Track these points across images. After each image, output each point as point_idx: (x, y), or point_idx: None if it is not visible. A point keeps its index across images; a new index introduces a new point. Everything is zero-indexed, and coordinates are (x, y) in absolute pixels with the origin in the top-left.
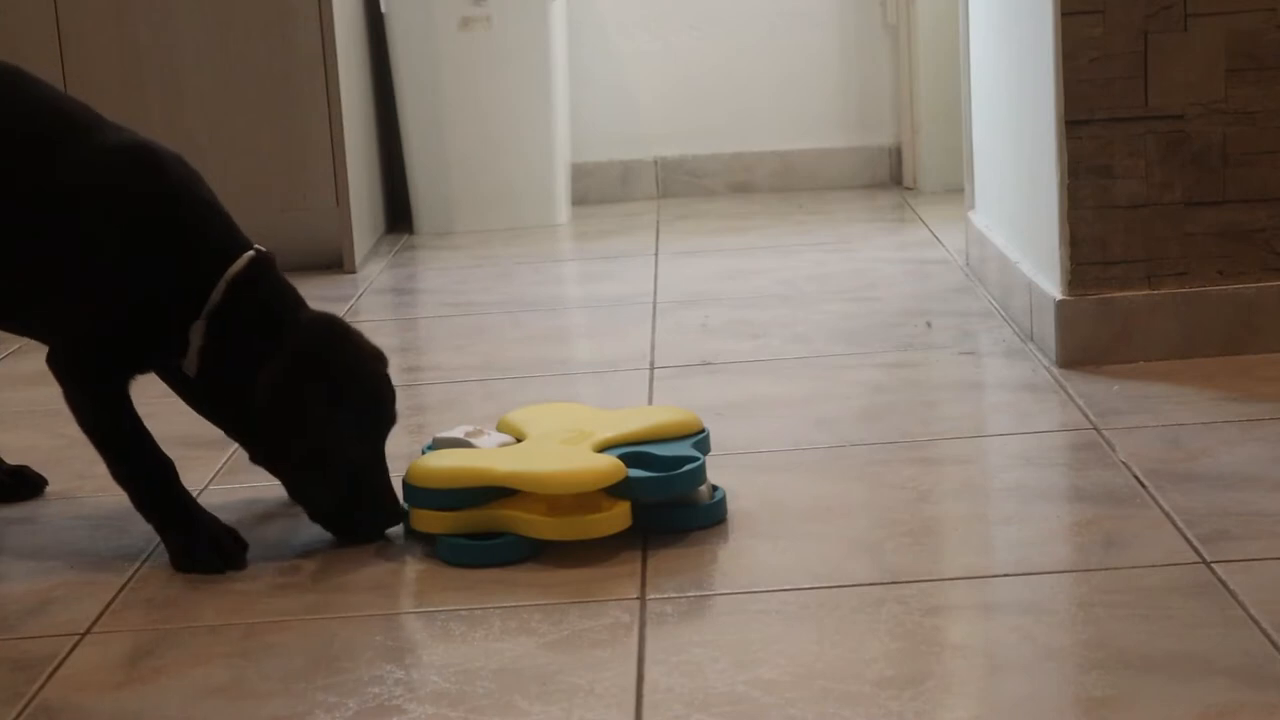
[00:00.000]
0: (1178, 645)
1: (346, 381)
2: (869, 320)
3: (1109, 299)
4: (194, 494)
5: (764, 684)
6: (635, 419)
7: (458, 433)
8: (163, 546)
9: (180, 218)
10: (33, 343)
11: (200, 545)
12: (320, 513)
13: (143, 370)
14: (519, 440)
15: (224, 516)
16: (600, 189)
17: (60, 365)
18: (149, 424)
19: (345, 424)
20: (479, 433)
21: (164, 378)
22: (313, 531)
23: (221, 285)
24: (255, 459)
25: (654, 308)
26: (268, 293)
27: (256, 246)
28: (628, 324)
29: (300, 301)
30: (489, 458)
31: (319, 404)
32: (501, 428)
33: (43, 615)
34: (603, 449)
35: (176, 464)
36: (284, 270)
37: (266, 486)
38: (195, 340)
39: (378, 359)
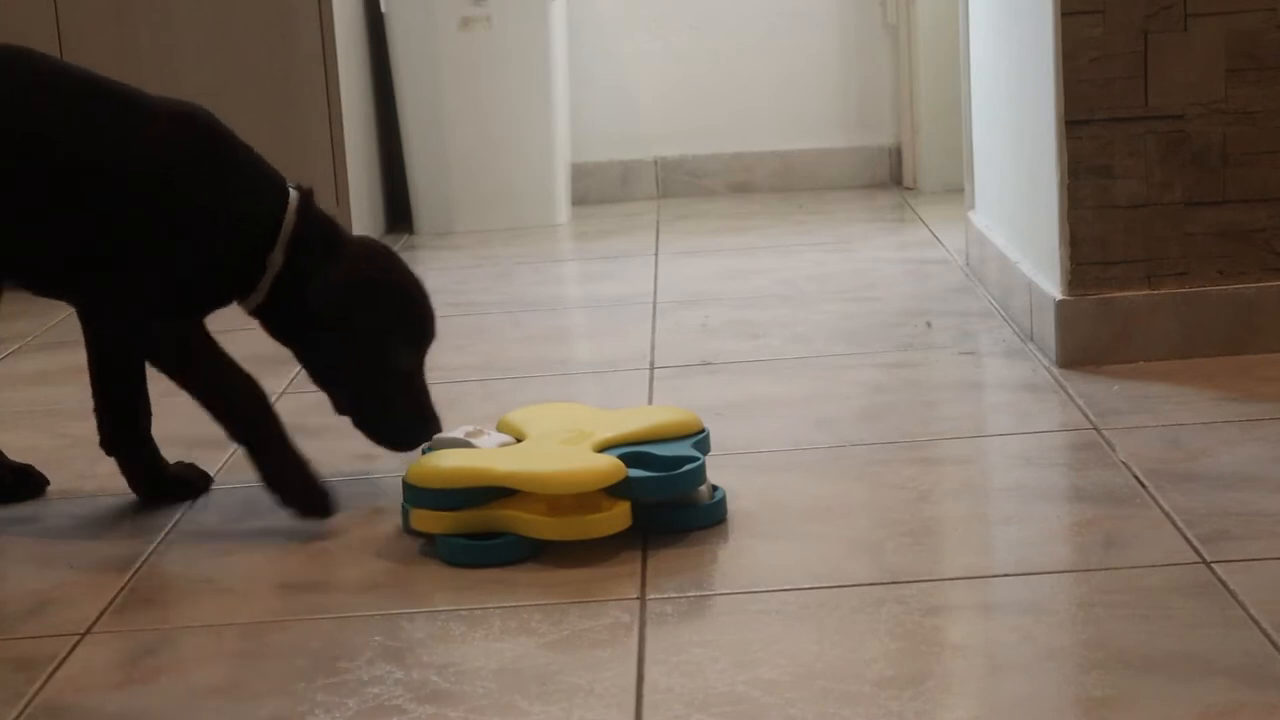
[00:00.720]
0: (1178, 645)
1: (397, 292)
2: (869, 320)
3: (1109, 299)
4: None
5: (764, 684)
6: (635, 419)
7: (458, 433)
8: (162, 546)
9: (242, 161)
10: (33, 343)
11: (315, 487)
12: (366, 419)
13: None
14: (519, 440)
15: (223, 516)
16: (600, 189)
17: (137, 324)
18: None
19: (395, 332)
20: (479, 433)
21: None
22: (313, 531)
23: (291, 215)
24: (314, 374)
25: (654, 308)
26: (321, 218)
27: (294, 182)
28: (628, 324)
29: (341, 225)
30: (489, 458)
31: (374, 307)
32: (501, 428)
33: (43, 615)
34: (603, 449)
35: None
36: None
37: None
38: (272, 268)
39: (423, 284)
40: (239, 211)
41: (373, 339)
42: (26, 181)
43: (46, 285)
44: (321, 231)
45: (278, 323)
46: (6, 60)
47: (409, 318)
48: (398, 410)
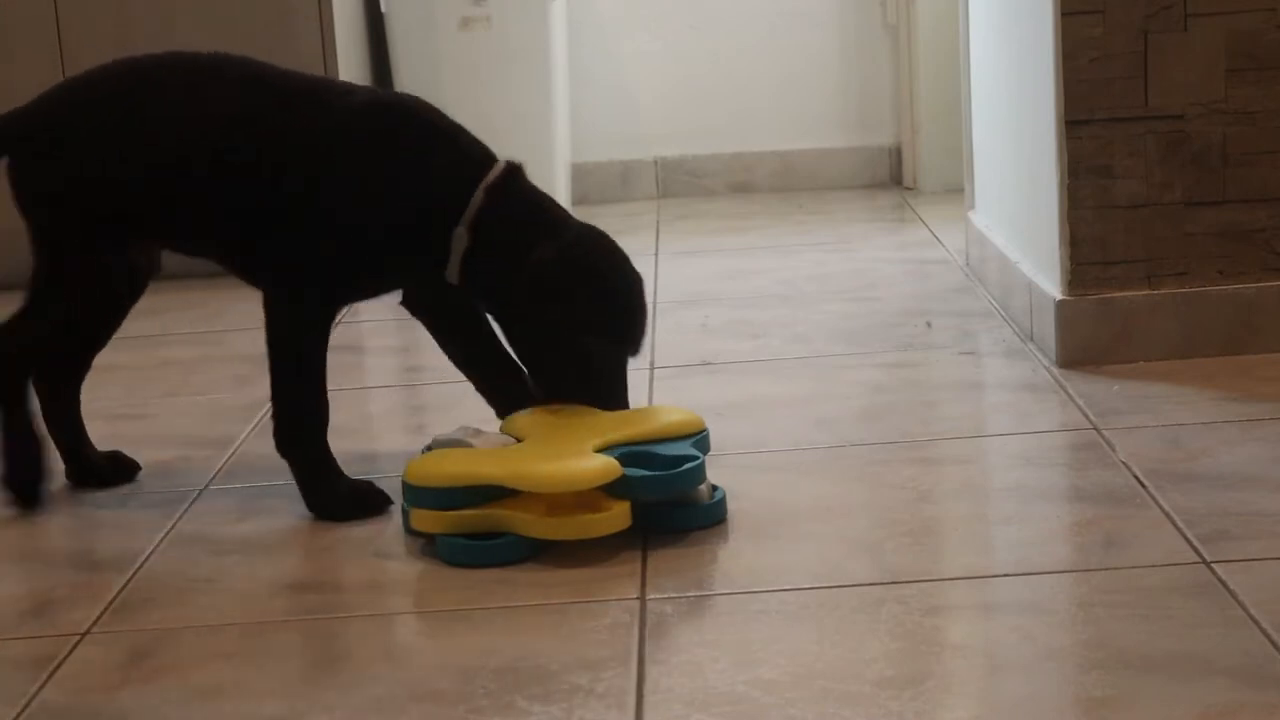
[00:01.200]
0: (1178, 645)
1: (609, 284)
2: (869, 320)
3: (1109, 299)
4: (194, 494)
5: (764, 684)
6: (636, 419)
7: (456, 433)
8: (162, 546)
9: (428, 139)
10: None
11: (340, 493)
12: (556, 398)
13: (392, 288)
14: (520, 440)
15: (223, 516)
16: (600, 189)
17: (285, 291)
18: (147, 424)
19: (591, 323)
20: (477, 433)
21: (413, 310)
22: (314, 531)
23: (479, 193)
24: (514, 351)
25: (654, 308)
26: (524, 196)
27: (508, 159)
28: None
29: (558, 205)
30: (485, 458)
31: (582, 295)
32: (505, 428)
33: (43, 615)
34: (602, 449)
35: (174, 464)
36: None
37: (266, 486)
38: (458, 246)
39: (639, 279)
40: (409, 192)
41: (567, 326)
42: (228, 168)
43: (226, 257)
44: (524, 211)
45: (477, 297)
46: (220, 64)
47: (608, 311)
48: (587, 398)
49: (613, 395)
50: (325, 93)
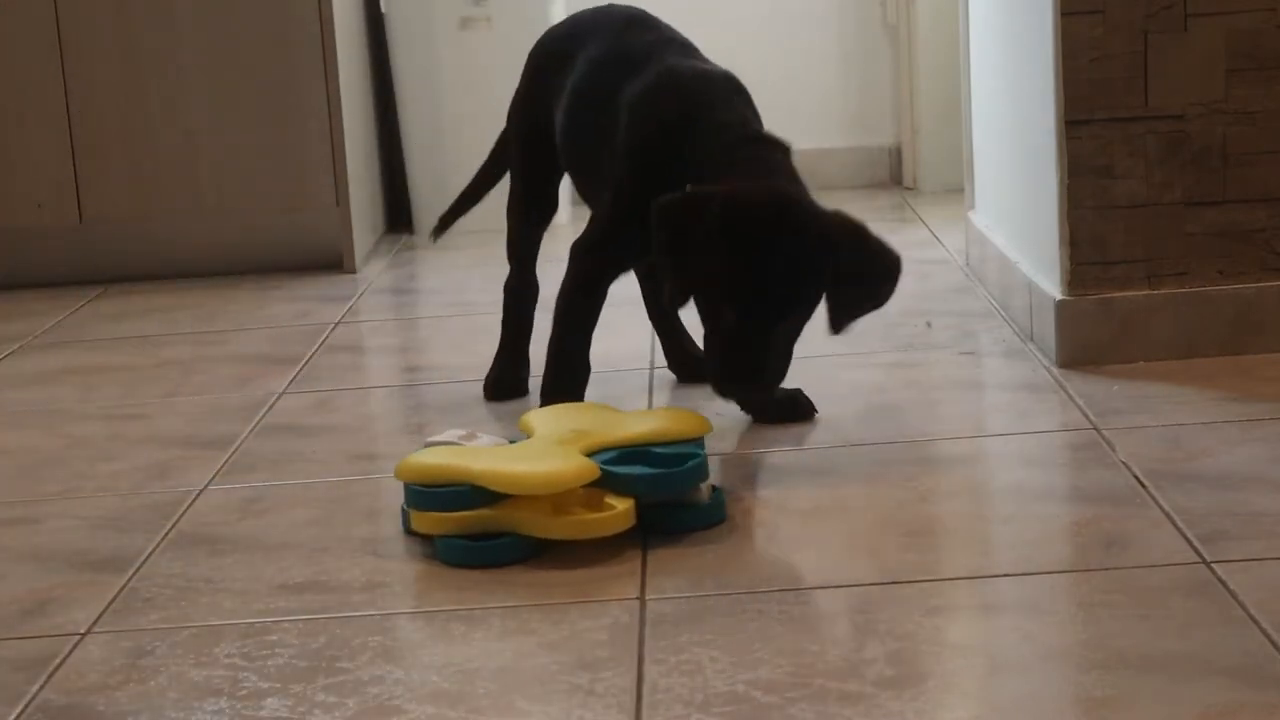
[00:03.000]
0: (1178, 645)
1: (750, 225)
2: (869, 320)
3: (1109, 299)
4: (194, 494)
5: (764, 684)
6: (645, 421)
7: (450, 436)
8: (162, 546)
9: (684, 135)
10: (33, 343)
11: None
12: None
13: (639, 258)
14: (529, 437)
15: (223, 516)
16: None
17: (576, 248)
18: (147, 424)
19: (697, 275)
20: (472, 435)
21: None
22: (314, 532)
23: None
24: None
25: None
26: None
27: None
28: (628, 324)
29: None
30: (470, 457)
31: (695, 230)
32: (520, 425)
33: (43, 615)
34: (598, 450)
35: (174, 464)
36: (283, 270)
37: (266, 486)
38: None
39: (833, 233)
40: (657, 176)
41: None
42: (587, 124)
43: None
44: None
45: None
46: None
47: (717, 270)
48: (711, 357)
49: (723, 365)
50: (645, 64)
